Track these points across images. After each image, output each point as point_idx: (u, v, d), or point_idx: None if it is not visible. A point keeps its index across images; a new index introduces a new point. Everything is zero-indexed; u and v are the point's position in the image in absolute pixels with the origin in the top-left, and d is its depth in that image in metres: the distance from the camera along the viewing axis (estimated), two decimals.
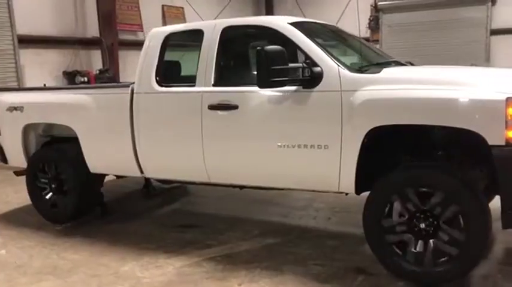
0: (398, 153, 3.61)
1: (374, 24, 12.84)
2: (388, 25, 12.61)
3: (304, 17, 8.17)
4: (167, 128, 4.21)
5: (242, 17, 4.56)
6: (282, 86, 3.49)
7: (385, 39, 12.44)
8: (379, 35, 12.66)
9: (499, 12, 11.43)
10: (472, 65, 8.89)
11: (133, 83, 4.40)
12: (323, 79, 3.50)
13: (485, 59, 11.53)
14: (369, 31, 13.00)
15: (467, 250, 3.16)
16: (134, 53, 10.75)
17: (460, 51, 11.41)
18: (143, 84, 4.31)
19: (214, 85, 3.99)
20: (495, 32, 11.47)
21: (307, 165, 3.63)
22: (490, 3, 11.44)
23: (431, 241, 3.28)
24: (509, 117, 2.92)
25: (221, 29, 4.05)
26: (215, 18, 10.72)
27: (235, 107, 3.83)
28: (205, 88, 4.00)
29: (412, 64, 4.30)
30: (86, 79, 9.52)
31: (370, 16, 12.90)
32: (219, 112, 3.91)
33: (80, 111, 4.60)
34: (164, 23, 11.49)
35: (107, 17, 10.03)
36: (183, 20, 11.98)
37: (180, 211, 5.56)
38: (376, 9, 12.76)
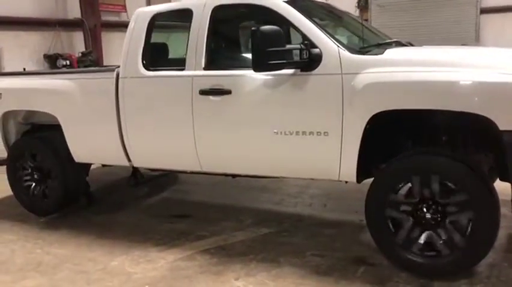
0: (400, 138, 3.45)
1: (363, 3, 12.59)
2: (378, 4, 12.38)
3: None
4: (156, 114, 3.98)
5: None
6: (279, 69, 3.27)
7: (375, 19, 12.21)
8: (368, 15, 12.42)
9: None
10: (462, 45, 8.75)
11: (119, 66, 4.15)
12: (322, 61, 3.29)
13: (475, 39, 11.40)
14: (357, 10, 12.75)
15: (475, 241, 3.03)
16: (118, 35, 10.42)
17: (450, 31, 11.26)
18: (129, 68, 4.06)
19: (205, 69, 3.75)
20: (485, 11, 11.31)
21: (305, 153, 3.44)
22: None
23: (437, 231, 3.14)
24: None
25: (211, 8, 3.79)
26: None
27: (228, 92, 3.60)
28: (196, 72, 3.77)
29: (412, 45, 4.10)
30: (68, 62, 9.17)
31: None
32: (211, 97, 3.68)
33: (62, 97, 4.33)
34: (148, 4, 11.09)
35: None
36: (169, 0, 11.60)
37: (170, 200, 5.36)
38: None
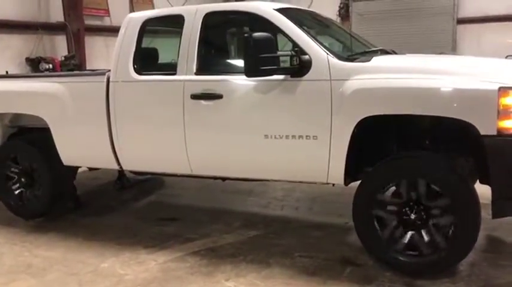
0: (387, 142, 3.58)
1: (344, 12, 12.82)
2: (358, 13, 12.63)
3: None
4: (147, 118, 4.03)
5: (210, 3, 4.37)
6: (271, 74, 3.38)
7: (355, 28, 12.45)
8: (348, 23, 12.66)
9: (465, 2, 11.59)
10: (440, 53, 8.99)
11: (109, 70, 4.19)
12: (312, 68, 3.41)
13: (451, 48, 11.71)
14: (339, 19, 12.99)
15: (456, 241, 3.18)
16: (100, 39, 10.40)
17: (427, 40, 11.56)
18: (120, 73, 4.10)
19: (196, 73, 3.83)
20: (462, 21, 11.64)
21: (294, 156, 3.54)
22: None
23: (421, 231, 3.27)
24: (502, 107, 2.92)
25: (203, 15, 3.88)
26: (183, 4, 10.44)
27: (220, 97, 3.69)
28: (187, 77, 3.84)
29: (395, 53, 4.26)
30: (50, 66, 9.06)
31: (340, 4, 12.86)
32: (203, 102, 3.76)
33: (52, 100, 4.34)
34: (132, 8, 11.08)
35: (72, 1, 9.57)
36: (151, 6, 11.58)
37: (158, 204, 5.40)
38: None
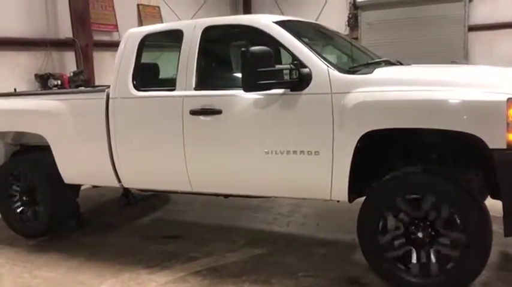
0: (391, 157, 3.44)
1: (353, 21, 12.72)
2: (367, 23, 12.52)
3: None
4: (146, 135, 3.96)
5: (219, 16, 4.31)
6: (269, 89, 3.29)
7: (364, 37, 12.34)
8: (357, 33, 12.55)
9: (476, 9, 11.43)
10: (452, 62, 8.83)
11: (109, 86, 4.14)
12: (312, 81, 3.31)
13: (463, 56, 11.53)
14: (347, 29, 12.91)
15: (468, 259, 3.03)
16: (109, 54, 10.42)
17: (438, 48, 11.39)
18: (119, 89, 4.05)
19: (195, 89, 3.75)
20: (473, 29, 11.46)
21: (296, 172, 3.42)
22: (467, 0, 11.44)
23: (429, 249, 3.12)
24: (511, 120, 2.77)
25: (202, 29, 3.81)
26: (191, 18, 10.45)
27: (219, 112, 3.60)
28: (186, 92, 3.77)
29: (401, 63, 4.14)
30: (59, 82, 9.10)
31: (349, 14, 12.77)
32: (202, 117, 3.68)
33: (51, 118, 4.30)
34: (140, 23, 11.13)
35: (80, 16, 9.61)
36: (160, 20, 11.64)
37: (162, 221, 5.31)
38: (355, 6, 12.63)
